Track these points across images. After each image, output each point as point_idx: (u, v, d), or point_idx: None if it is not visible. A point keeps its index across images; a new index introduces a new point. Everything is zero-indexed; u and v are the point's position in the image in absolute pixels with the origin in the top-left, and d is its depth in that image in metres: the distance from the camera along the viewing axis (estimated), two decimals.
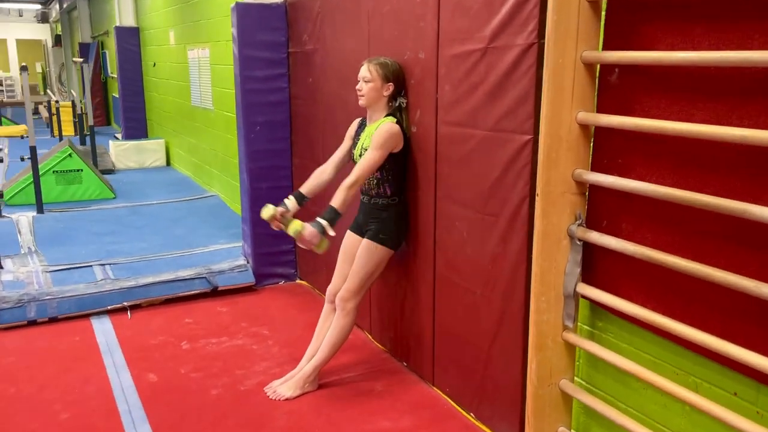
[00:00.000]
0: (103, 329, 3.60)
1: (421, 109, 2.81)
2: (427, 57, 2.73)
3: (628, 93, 1.87)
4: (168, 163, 8.52)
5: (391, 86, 2.81)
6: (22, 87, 6.56)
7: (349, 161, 3.00)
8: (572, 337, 2.09)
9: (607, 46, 1.92)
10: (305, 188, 3.01)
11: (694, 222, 1.72)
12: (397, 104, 2.87)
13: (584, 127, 1.97)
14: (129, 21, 9.44)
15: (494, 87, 2.37)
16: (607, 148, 1.96)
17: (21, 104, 21.08)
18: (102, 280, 4.00)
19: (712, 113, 1.65)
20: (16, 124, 13.04)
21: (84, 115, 9.65)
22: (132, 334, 3.55)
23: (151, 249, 4.71)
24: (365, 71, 2.81)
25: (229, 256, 4.47)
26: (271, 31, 4.02)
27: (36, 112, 17.77)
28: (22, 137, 10.04)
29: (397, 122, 2.82)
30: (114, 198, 6.51)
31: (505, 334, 2.46)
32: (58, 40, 22.05)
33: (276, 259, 4.33)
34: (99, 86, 13.40)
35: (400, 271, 3.13)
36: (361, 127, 2.98)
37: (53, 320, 3.67)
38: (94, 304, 3.79)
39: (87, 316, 3.75)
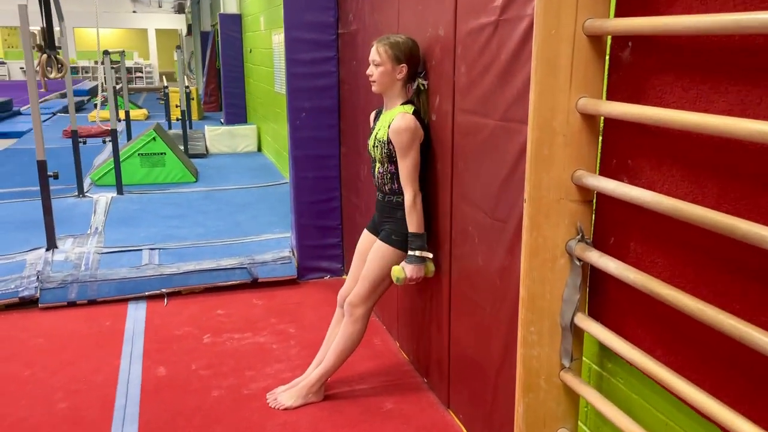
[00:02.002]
0: (135, 316, 3.57)
1: (441, 94, 2.45)
2: (445, 34, 2.36)
3: (640, 74, 1.43)
4: (259, 148, 8.61)
5: (404, 68, 2.47)
6: (103, 72, 6.79)
7: None
8: (569, 379, 1.68)
9: (620, 12, 1.49)
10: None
11: (715, 247, 1.27)
12: (415, 87, 2.53)
13: (588, 117, 1.55)
14: (232, 8, 9.63)
15: (504, 67, 1.98)
16: (617, 145, 1.53)
17: (156, 90, 22.60)
18: (145, 265, 3.99)
19: (736, 100, 1.19)
20: (139, 108, 13.87)
21: (191, 100, 10.05)
22: (161, 323, 3.48)
23: (206, 235, 4.68)
24: (374, 53, 2.49)
25: (278, 247, 4.33)
26: (319, 11, 3.78)
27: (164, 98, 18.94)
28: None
29: (415, 110, 2.49)
30: (195, 182, 6.62)
31: (510, 363, 2.07)
32: (190, 30, 23.28)
33: (322, 252, 4.12)
34: (214, 73, 13.89)
35: None
36: (378, 116, 2.67)
37: (92, 303, 3.69)
38: (133, 288, 3.78)
39: (126, 300, 3.74)
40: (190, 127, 10.26)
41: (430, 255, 2.52)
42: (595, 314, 1.64)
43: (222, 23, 9.59)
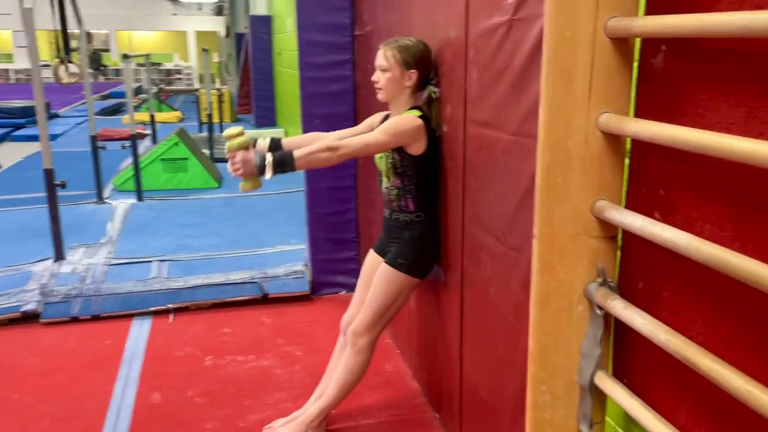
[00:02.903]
0: (138, 333, 3.39)
1: (452, 103, 2.19)
2: (457, 35, 2.10)
3: (677, 85, 1.15)
4: None
5: (413, 74, 2.22)
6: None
7: None
8: None
9: (651, 9, 1.21)
10: (288, 140, 2.47)
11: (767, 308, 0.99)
12: (426, 95, 2.28)
13: (612, 137, 1.27)
14: (262, 10, 9.51)
15: (519, 74, 1.71)
16: (646, 172, 1.25)
17: (193, 91, 22.76)
18: (152, 278, 3.83)
19: None
20: (174, 110, 13.90)
21: (222, 103, 9.94)
22: (162, 342, 3.30)
23: (221, 245, 4.50)
24: (381, 58, 2.25)
25: (293, 259, 4.12)
26: (334, 12, 3.55)
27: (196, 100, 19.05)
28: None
29: (423, 116, 2.23)
30: (218, 187, 6.48)
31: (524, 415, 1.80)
32: (228, 32, 23.40)
33: (337, 266, 3.89)
34: (247, 75, 13.82)
35: (432, 302, 2.54)
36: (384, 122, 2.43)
37: (96, 318, 3.53)
38: (138, 303, 3.61)
39: (131, 315, 3.58)
40: (219, 130, 10.18)
41: (268, 176, 2.17)
42: (619, 373, 1.36)
43: (252, 25, 9.48)
